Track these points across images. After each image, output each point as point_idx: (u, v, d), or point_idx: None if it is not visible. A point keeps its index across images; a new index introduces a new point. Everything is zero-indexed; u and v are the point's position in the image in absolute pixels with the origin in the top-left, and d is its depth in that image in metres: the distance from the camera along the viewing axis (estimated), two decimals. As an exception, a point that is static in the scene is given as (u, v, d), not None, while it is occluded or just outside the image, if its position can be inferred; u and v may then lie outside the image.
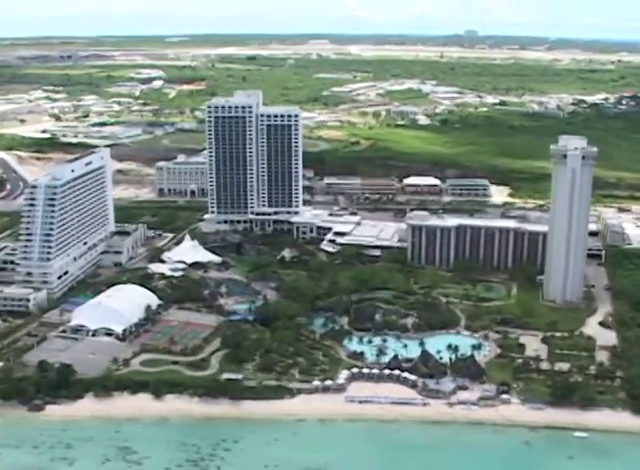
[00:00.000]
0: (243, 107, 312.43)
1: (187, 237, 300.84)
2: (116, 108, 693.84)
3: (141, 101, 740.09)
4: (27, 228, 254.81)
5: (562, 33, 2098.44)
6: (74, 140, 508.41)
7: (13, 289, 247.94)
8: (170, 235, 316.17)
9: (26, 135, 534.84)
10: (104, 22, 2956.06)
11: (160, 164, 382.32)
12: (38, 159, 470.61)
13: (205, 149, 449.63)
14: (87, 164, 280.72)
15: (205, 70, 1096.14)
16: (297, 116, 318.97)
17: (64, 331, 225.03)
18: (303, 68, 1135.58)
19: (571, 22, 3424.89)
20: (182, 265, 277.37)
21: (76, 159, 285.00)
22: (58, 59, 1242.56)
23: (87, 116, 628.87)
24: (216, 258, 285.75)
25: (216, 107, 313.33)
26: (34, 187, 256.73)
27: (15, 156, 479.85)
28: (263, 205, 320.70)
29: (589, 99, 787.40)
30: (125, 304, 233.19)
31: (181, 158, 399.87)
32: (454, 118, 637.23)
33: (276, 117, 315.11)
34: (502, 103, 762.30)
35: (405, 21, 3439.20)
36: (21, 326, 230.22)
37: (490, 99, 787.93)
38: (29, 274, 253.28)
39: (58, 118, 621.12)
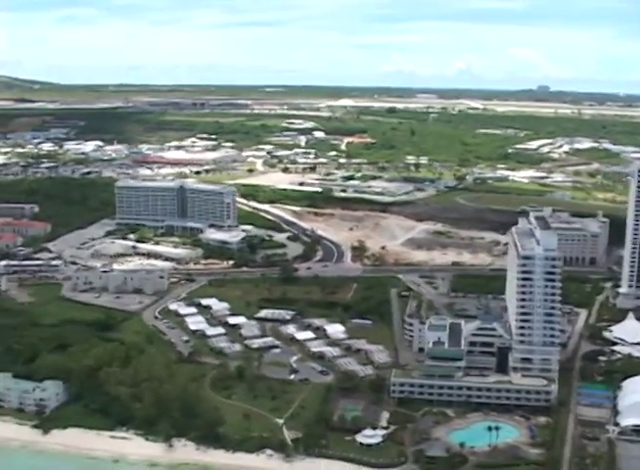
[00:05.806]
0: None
1: (630, 315, 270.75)
2: (318, 160, 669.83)
3: (338, 153, 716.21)
4: (523, 306, 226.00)
5: (617, 89, 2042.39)
6: (348, 195, 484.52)
7: (522, 379, 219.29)
8: (580, 310, 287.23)
9: (286, 188, 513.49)
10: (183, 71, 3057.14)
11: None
12: (316, 214, 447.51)
13: (528, 210, 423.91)
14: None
15: (350, 121, 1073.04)
16: None
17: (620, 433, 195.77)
18: (447, 122, 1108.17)
19: (613, 77, 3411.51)
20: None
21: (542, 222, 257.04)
22: (191, 106, 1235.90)
23: (314, 168, 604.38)
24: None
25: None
26: (528, 258, 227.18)
27: (286, 210, 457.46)
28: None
29: None
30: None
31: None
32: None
33: None
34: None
35: (454, 75, 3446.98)
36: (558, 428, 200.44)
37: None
38: (527, 360, 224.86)
39: (285, 170, 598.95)
